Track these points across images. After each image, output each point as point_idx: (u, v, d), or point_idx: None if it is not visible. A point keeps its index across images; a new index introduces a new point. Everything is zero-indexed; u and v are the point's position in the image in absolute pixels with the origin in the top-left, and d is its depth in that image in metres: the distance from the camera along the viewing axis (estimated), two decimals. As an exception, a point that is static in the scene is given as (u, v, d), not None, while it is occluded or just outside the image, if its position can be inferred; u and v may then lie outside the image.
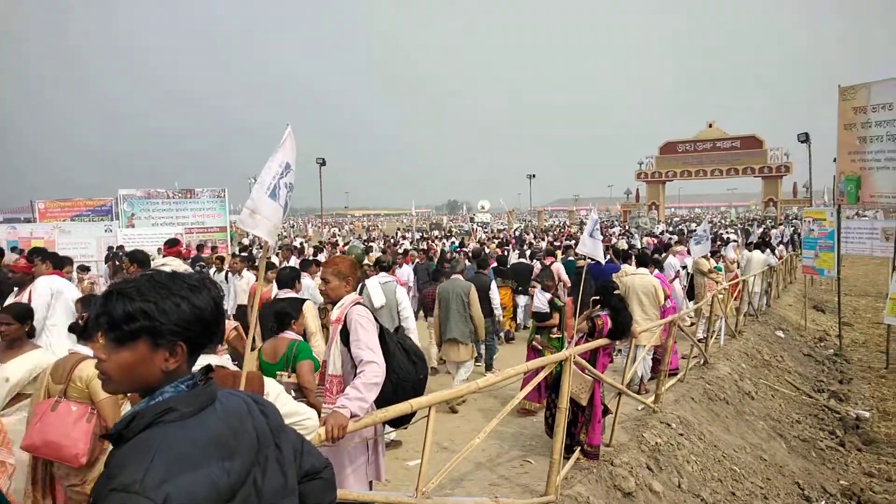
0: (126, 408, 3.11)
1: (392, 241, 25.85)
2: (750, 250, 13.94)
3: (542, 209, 64.44)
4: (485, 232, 35.12)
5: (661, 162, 46.32)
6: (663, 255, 12.12)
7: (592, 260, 6.37)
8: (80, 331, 3.44)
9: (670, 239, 20.76)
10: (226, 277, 9.23)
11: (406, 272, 10.50)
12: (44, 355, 3.73)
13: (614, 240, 20.96)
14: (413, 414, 3.17)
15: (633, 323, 5.71)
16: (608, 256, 10.24)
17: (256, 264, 9.46)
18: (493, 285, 8.17)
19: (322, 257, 13.36)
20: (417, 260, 12.72)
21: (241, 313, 8.46)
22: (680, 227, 37.24)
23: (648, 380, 7.57)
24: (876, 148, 10.24)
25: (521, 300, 10.71)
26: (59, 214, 21.72)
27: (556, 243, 19.15)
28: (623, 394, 5.75)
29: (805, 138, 29.14)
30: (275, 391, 2.58)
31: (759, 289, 13.10)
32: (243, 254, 12.89)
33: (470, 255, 11.87)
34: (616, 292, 5.60)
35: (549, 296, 6.75)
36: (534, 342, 6.60)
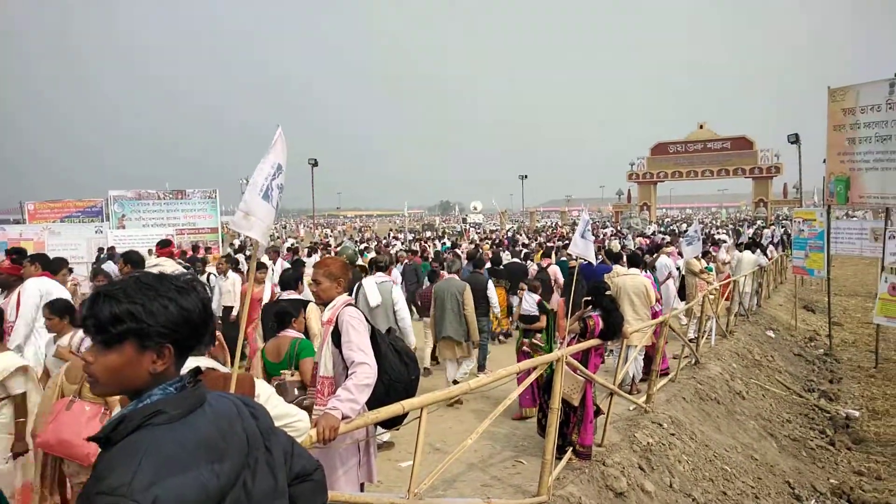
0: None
1: (384, 241, 25.83)
2: (740, 251, 14.02)
3: (534, 210, 64.60)
4: (477, 233, 35.17)
5: (652, 163, 46.54)
6: (655, 255, 12.16)
7: (584, 260, 6.38)
8: None
9: (663, 239, 20.85)
10: (208, 279, 9.21)
11: (394, 273, 10.51)
12: (11, 358, 3.77)
13: (607, 241, 21.03)
14: (405, 415, 3.17)
15: (625, 323, 5.73)
16: (600, 258, 10.27)
17: (240, 267, 9.43)
18: (490, 284, 8.20)
19: (316, 258, 13.34)
20: (406, 260, 12.74)
21: (226, 315, 8.45)
22: (671, 227, 37.41)
23: (640, 380, 7.60)
24: (865, 149, 10.32)
25: (515, 301, 10.71)
26: (49, 216, 21.56)
27: (548, 244, 19.18)
28: (615, 394, 5.76)
29: (795, 139, 29.32)
30: (265, 393, 2.57)
31: (749, 289, 13.17)
32: (240, 254, 12.88)
33: (462, 254, 11.89)
34: (607, 293, 5.62)
35: (537, 297, 6.76)
36: (524, 347, 6.61)
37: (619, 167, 49.12)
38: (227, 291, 8.60)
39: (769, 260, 16.38)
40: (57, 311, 4.37)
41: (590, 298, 5.48)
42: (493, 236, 28.09)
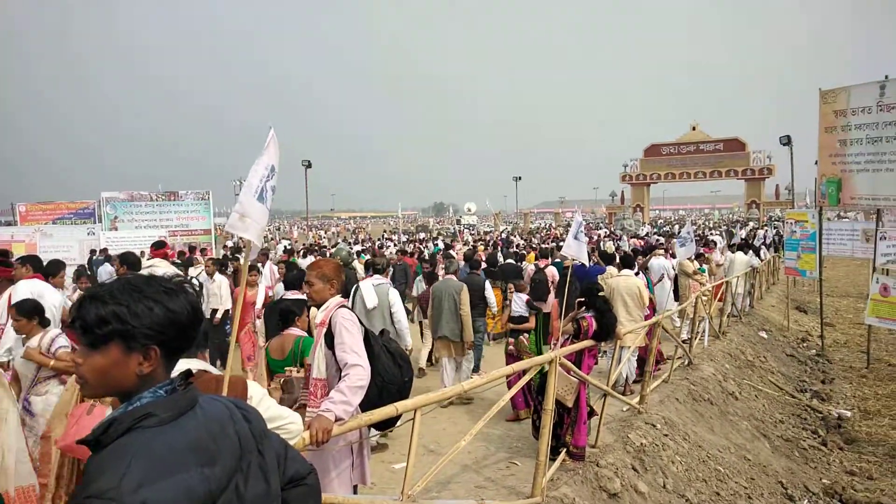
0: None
1: (377, 244, 25.81)
2: (733, 252, 14.07)
3: (528, 211, 64.66)
4: (471, 234, 35.17)
5: (645, 164, 46.65)
6: (647, 256, 12.19)
7: (578, 262, 6.40)
8: None
9: (657, 240, 20.90)
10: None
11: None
12: None
13: (601, 242, 21.06)
14: (398, 417, 3.16)
15: (618, 324, 5.74)
16: (594, 259, 10.30)
17: (227, 269, 9.37)
18: (488, 285, 8.22)
19: (311, 259, 13.32)
20: (396, 261, 12.76)
21: (211, 318, 8.39)
22: (665, 228, 37.52)
23: (633, 381, 7.61)
24: (856, 150, 10.39)
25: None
26: (41, 217, 21.44)
27: (543, 245, 19.19)
28: (608, 395, 5.77)
29: (787, 141, 29.47)
30: (258, 395, 2.55)
31: (742, 290, 13.22)
32: (237, 254, 12.86)
33: (456, 256, 11.90)
34: (601, 294, 5.63)
35: (526, 298, 6.77)
36: (510, 346, 6.62)
37: (614, 168, 49.23)
38: (213, 294, 8.49)
39: (762, 261, 16.46)
40: (25, 313, 4.33)
41: (583, 300, 5.50)
42: (487, 238, 28.09)
